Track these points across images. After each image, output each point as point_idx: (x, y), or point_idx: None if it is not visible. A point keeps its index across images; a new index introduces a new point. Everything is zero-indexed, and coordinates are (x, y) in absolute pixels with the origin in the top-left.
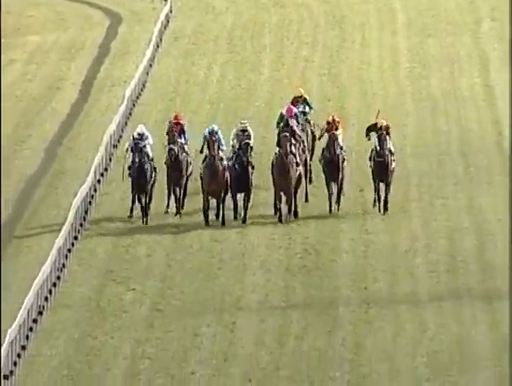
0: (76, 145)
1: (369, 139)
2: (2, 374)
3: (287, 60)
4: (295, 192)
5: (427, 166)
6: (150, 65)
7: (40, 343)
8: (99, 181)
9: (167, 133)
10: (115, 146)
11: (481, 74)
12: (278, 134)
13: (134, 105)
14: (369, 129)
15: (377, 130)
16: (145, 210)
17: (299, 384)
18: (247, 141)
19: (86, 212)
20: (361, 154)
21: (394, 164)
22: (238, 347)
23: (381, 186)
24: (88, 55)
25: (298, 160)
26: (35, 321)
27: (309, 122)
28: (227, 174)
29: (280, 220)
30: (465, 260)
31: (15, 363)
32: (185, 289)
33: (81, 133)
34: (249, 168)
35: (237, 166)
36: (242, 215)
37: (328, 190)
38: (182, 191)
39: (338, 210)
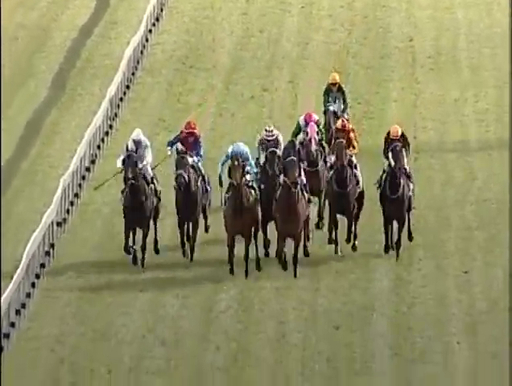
0: None
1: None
2: (56, 221)
3: None
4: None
5: (477, 16)
6: None
7: (93, 192)
8: (150, 31)
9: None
10: None
11: None
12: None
13: None
14: (386, 145)
15: (390, 143)
16: (142, 248)
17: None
18: (273, 149)
19: (138, 62)
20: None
21: (411, 193)
22: None
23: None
24: None
25: (308, 195)
26: (87, 169)
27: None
28: (258, 207)
29: (285, 268)
30: None
31: (68, 211)
32: None
33: None
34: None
35: (263, 186)
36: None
37: (332, 227)
38: (196, 227)
39: (354, 249)
